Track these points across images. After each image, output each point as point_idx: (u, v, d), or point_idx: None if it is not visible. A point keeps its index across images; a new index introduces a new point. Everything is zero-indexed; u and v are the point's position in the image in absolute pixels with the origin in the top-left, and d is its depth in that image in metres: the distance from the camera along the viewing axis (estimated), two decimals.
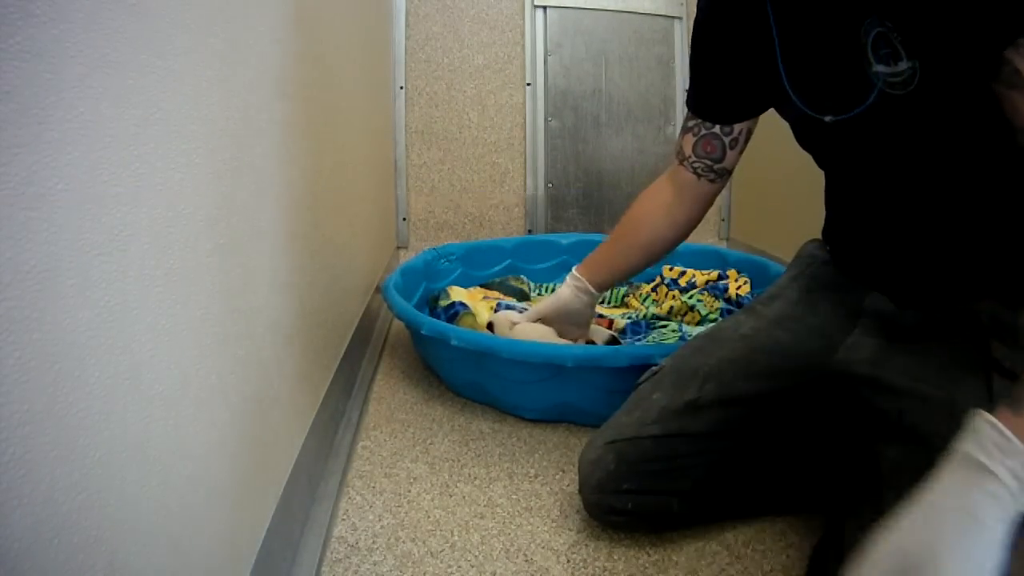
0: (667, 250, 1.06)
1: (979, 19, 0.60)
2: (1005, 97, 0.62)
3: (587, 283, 1.12)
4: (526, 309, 1.49)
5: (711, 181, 0.99)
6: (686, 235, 1.05)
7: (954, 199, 0.73)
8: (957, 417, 0.66)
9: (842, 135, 0.79)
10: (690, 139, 0.98)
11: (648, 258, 1.07)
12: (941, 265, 0.76)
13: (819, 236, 0.97)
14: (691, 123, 0.98)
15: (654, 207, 1.04)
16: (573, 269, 1.13)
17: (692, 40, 0.94)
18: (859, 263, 0.87)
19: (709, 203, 1.03)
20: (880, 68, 0.68)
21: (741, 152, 0.98)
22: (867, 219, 0.84)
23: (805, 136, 0.86)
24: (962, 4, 0.61)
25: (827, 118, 0.77)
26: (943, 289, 0.77)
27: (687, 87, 0.99)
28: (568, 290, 1.14)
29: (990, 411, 0.57)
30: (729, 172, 0.99)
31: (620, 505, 0.85)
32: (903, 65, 0.66)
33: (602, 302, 1.78)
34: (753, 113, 0.95)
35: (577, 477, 0.90)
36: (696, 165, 0.98)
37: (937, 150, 0.71)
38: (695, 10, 0.92)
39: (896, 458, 0.69)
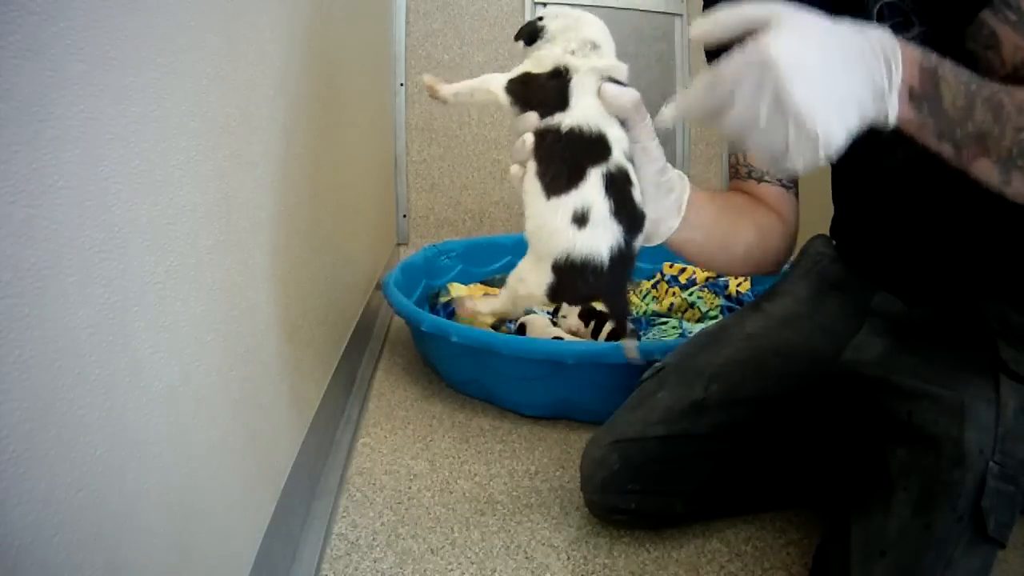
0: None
1: None
2: (980, 57, 0.62)
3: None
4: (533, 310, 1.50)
5: (794, 190, 0.84)
6: None
7: (962, 193, 0.72)
8: (966, 418, 0.66)
9: None
10: None
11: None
12: (949, 261, 0.76)
13: (819, 233, 0.96)
14: None
15: (771, 236, 0.81)
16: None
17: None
18: (866, 258, 0.86)
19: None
20: None
21: None
22: (874, 214, 0.82)
23: None
24: None
25: None
26: (951, 286, 0.77)
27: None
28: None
29: None
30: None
31: (623, 505, 0.85)
32: (914, 31, 0.67)
33: None
34: None
35: (578, 474, 0.90)
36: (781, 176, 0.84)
37: None
38: (695, 7, 0.91)
39: (904, 459, 0.69)
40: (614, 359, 1.08)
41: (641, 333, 1.47)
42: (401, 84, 2.25)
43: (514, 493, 0.97)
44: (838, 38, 0.52)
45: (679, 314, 1.56)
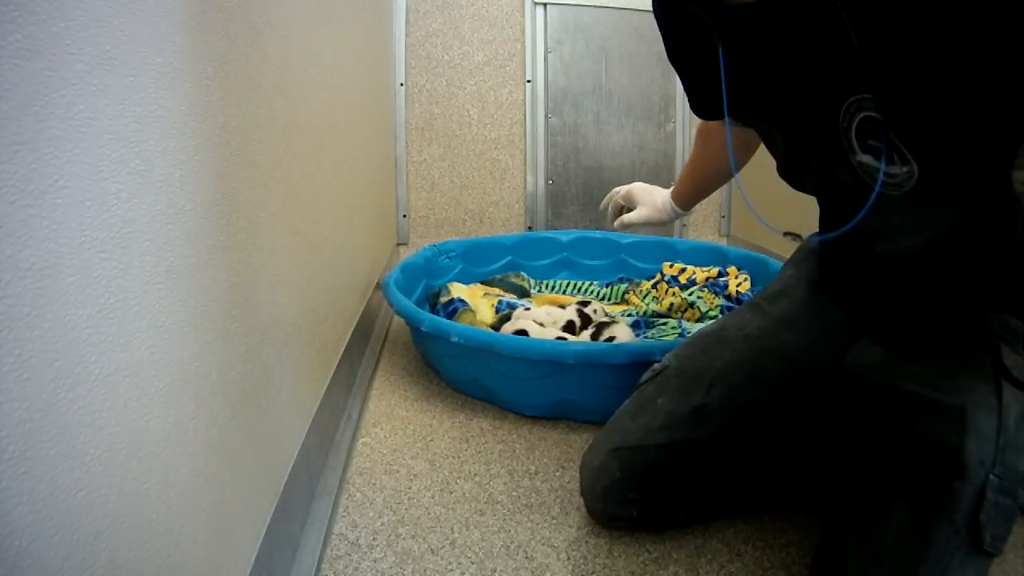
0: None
1: (991, 114, 0.57)
2: None
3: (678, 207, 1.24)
4: (528, 307, 1.50)
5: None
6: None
7: (954, 258, 0.72)
8: (968, 426, 0.65)
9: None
10: None
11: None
12: (936, 306, 0.76)
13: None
14: None
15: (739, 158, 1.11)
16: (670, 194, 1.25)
17: (671, 61, 0.91)
18: (856, 298, 0.86)
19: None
20: (867, 159, 0.67)
21: None
22: (862, 269, 0.83)
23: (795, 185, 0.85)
24: (968, 103, 0.58)
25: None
26: (943, 324, 0.76)
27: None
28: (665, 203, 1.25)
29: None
30: None
31: (625, 513, 0.84)
32: (901, 168, 0.64)
33: (602, 299, 1.78)
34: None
35: (577, 475, 0.90)
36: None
37: (933, 229, 0.70)
38: None
39: (904, 467, 0.68)
40: (614, 359, 1.08)
41: (640, 333, 1.47)
42: (401, 84, 2.25)
43: (514, 493, 0.97)
44: None
45: (679, 314, 1.56)
